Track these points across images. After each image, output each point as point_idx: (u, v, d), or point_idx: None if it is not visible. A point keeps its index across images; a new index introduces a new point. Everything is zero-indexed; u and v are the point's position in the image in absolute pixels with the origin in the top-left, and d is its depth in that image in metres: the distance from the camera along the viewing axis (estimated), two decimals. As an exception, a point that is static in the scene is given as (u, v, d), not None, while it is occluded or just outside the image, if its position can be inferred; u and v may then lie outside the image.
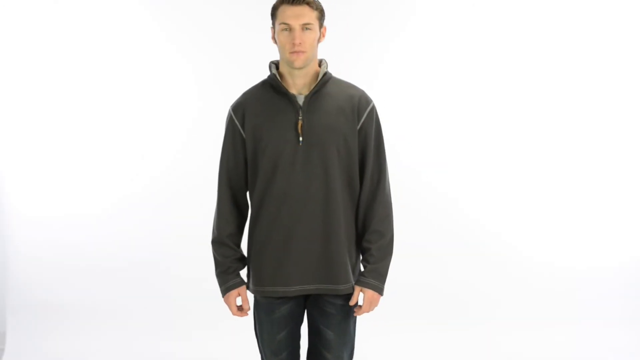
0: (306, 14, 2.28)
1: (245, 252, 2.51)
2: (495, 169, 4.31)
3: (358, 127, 2.38)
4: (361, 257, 2.47)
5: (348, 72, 4.20)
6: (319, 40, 2.36)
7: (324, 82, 2.37)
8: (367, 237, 2.41)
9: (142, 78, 4.30)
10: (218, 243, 2.47)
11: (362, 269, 2.46)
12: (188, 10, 4.28)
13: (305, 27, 2.28)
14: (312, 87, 2.36)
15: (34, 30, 4.24)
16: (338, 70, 4.16)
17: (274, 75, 2.38)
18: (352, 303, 2.40)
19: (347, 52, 4.14)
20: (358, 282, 2.40)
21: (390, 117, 4.23)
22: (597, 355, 4.03)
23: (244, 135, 2.39)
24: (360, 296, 2.42)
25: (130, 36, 4.28)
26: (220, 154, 2.46)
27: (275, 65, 2.43)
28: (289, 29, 2.29)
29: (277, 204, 2.34)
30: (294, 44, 2.28)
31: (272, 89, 2.39)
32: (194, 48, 4.29)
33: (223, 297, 2.47)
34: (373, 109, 2.42)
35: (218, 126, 4.25)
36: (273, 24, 2.36)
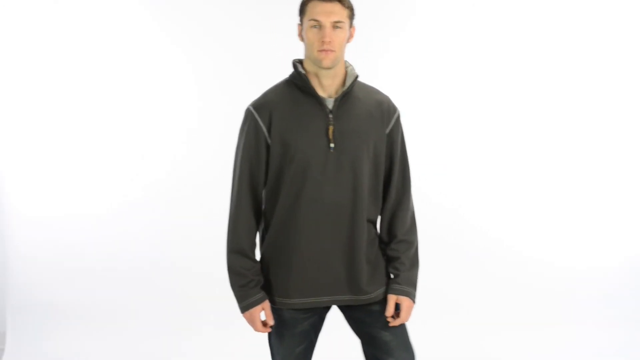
0: (337, 12, 2.18)
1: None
2: (493, 169, 4.31)
3: (386, 133, 2.30)
4: (388, 265, 2.36)
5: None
6: (347, 41, 2.26)
7: (353, 86, 2.28)
8: (395, 246, 2.34)
9: (142, 78, 4.30)
10: (238, 254, 2.26)
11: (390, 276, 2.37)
12: (188, 10, 4.27)
13: (336, 25, 2.18)
14: (340, 90, 2.26)
15: (34, 30, 4.24)
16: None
17: (304, 75, 2.24)
18: (389, 313, 2.29)
19: (347, 53, 4.14)
20: (392, 291, 2.30)
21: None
22: (596, 355, 4.03)
23: (268, 138, 2.23)
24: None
25: (130, 36, 4.28)
26: (239, 158, 2.28)
27: (299, 64, 2.30)
28: (319, 26, 2.17)
29: (307, 212, 2.22)
30: (323, 42, 2.16)
31: (298, 90, 2.26)
32: (194, 48, 4.29)
33: (243, 312, 2.30)
34: (399, 116, 2.34)
35: (218, 126, 4.29)
36: (301, 20, 2.24)
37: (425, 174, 4.24)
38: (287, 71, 4.18)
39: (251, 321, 2.30)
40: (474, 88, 4.29)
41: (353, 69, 2.31)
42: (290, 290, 2.27)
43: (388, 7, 4.25)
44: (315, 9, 2.18)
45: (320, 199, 2.21)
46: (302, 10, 2.23)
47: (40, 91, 4.29)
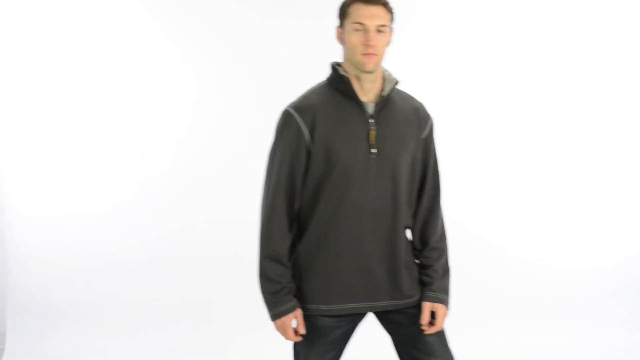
0: (381, 15, 2.16)
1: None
2: (494, 171, 4.31)
3: (422, 140, 2.29)
4: (419, 273, 2.35)
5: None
6: (387, 45, 2.24)
7: (392, 91, 2.26)
8: (428, 254, 2.33)
9: (142, 78, 4.29)
10: (272, 260, 2.20)
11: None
12: (188, 10, 4.27)
13: (379, 28, 2.15)
14: (379, 95, 2.23)
15: (34, 30, 4.23)
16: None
17: (346, 78, 2.20)
18: (425, 321, 2.26)
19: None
20: (427, 299, 2.28)
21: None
22: (596, 355, 4.03)
23: (310, 143, 2.17)
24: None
25: (130, 36, 4.28)
26: (276, 162, 2.21)
27: (338, 67, 2.25)
28: (363, 29, 2.15)
29: (348, 219, 2.19)
30: (367, 46, 2.13)
31: (339, 93, 2.22)
32: (194, 48, 4.29)
33: (274, 320, 2.22)
34: (433, 123, 2.34)
35: (219, 126, 4.30)
36: (342, 23, 2.21)
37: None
38: (287, 71, 4.22)
39: (282, 329, 2.23)
40: (473, 89, 4.29)
41: (391, 74, 2.29)
42: (330, 297, 2.23)
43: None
44: (360, 12, 2.15)
45: (362, 205, 2.19)
46: (344, 13, 2.19)
47: (40, 91, 4.29)
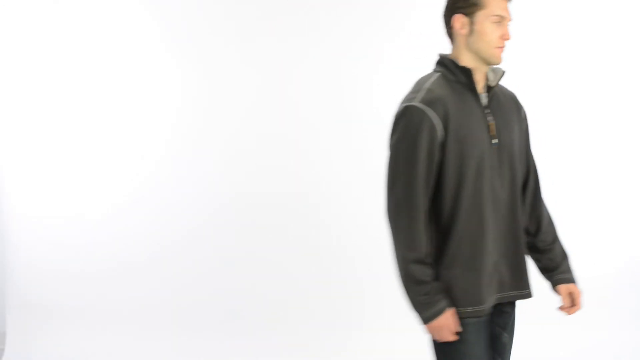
0: (510, 9, 2.19)
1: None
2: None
3: (523, 127, 2.32)
4: (537, 258, 2.37)
5: (349, 71, 4.23)
6: None
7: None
8: (542, 237, 2.35)
9: (142, 78, 4.29)
10: (421, 263, 2.11)
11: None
12: (188, 11, 4.27)
13: (508, 22, 2.18)
14: (485, 85, 2.22)
15: (34, 30, 4.23)
16: (339, 68, 4.18)
17: (469, 70, 2.17)
18: (567, 304, 2.31)
19: (349, 52, 4.15)
20: (563, 281, 2.30)
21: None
22: (596, 355, 4.03)
23: (444, 137, 2.11)
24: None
25: (130, 36, 4.27)
26: (409, 161, 2.11)
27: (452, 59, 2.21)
28: (501, 22, 2.15)
29: (487, 212, 2.15)
30: (504, 39, 2.15)
31: (458, 84, 2.18)
32: (194, 48, 4.28)
33: (430, 322, 2.12)
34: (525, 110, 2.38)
35: (219, 126, 4.30)
36: (471, 13, 2.16)
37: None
38: (287, 71, 4.22)
39: (440, 329, 2.12)
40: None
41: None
42: (482, 294, 2.17)
43: (387, 7, 4.25)
44: (500, 5, 2.15)
45: (494, 197, 2.17)
46: (477, 3, 2.15)
47: (40, 92, 4.28)
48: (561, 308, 2.33)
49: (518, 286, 2.26)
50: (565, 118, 4.30)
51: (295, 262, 4.22)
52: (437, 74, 2.20)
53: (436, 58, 2.26)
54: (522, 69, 4.30)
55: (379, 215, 4.21)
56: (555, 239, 2.38)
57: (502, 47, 2.16)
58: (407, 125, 2.11)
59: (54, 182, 4.30)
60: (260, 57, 4.25)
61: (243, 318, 4.14)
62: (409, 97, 2.15)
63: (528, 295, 2.28)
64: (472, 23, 2.16)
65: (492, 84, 2.22)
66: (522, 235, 2.26)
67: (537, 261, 2.36)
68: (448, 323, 2.11)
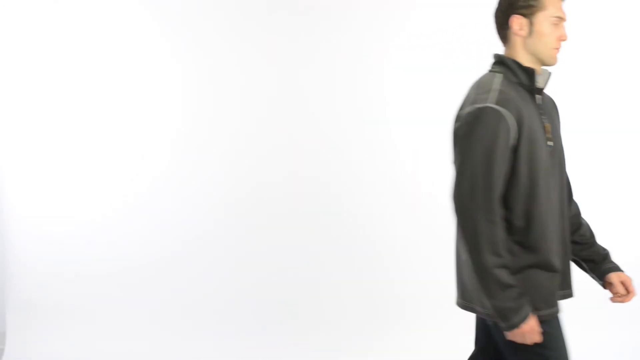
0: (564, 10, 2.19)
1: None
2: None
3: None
4: (581, 254, 2.40)
5: (353, 70, 4.22)
6: None
7: None
8: (582, 232, 2.41)
9: (142, 78, 4.29)
10: (505, 267, 2.07)
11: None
12: (188, 10, 4.26)
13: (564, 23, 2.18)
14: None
15: (34, 31, 4.23)
16: (343, 69, 4.17)
17: (531, 71, 2.15)
18: (622, 292, 2.32)
19: (352, 52, 4.14)
20: (612, 270, 2.34)
21: (392, 118, 4.24)
22: (596, 355, 4.03)
23: (517, 139, 2.07)
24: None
25: (129, 37, 4.27)
26: (486, 163, 2.06)
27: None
28: (559, 23, 2.14)
29: (553, 214, 2.16)
30: (561, 41, 2.15)
31: (519, 86, 2.16)
32: (195, 48, 4.28)
33: (519, 326, 2.07)
34: None
35: (219, 126, 4.29)
36: (530, 13, 2.14)
37: (431, 177, 4.23)
38: (288, 72, 4.21)
39: (531, 332, 2.09)
40: (460, 91, 4.27)
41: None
42: (557, 296, 2.20)
43: (388, 7, 4.24)
44: (559, 6, 2.14)
45: (554, 199, 2.18)
46: (538, 5, 2.13)
47: (41, 92, 4.28)
48: (615, 297, 2.33)
49: (566, 285, 2.28)
50: (572, 120, 4.28)
51: (308, 260, 4.24)
52: (500, 75, 2.16)
53: (493, 59, 2.23)
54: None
55: (380, 209, 4.23)
56: (592, 234, 2.42)
57: (558, 49, 2.15)
58: (484, 127, 2.05)
59: (53, 181, 4.30)
60: (272, 55, 4.24)
61: (244, 318, 4.15)
62: (480, 98, 2.09)
63: (571, 294, 2.30)
64: (531, 24, 2.14)
65: (542, 85, 2.20)
66: (569, 235, 2.29)
67: (580, 257, 2.39)
68: (534, 325, 2.08)
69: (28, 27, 4.23)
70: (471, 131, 2.07)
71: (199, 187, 4.29)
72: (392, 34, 4.25)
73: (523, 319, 2.06)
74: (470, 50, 4.23)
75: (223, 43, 4.26)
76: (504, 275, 2.05)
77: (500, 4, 2.20)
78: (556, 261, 2.17)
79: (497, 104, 2.06)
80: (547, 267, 2.15)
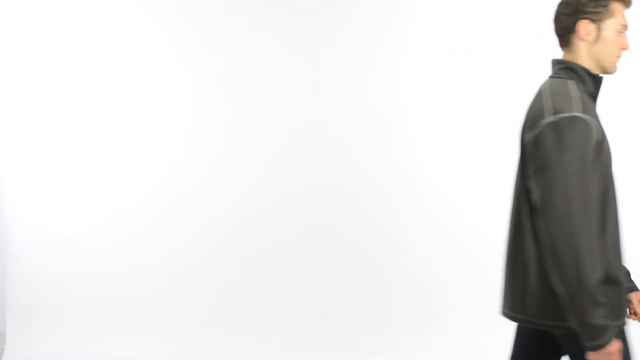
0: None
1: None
2: (498, 172, 4.29)
3: None
4: None
5: (356, 70, 4.22)
6: None
7: None
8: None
9: (142, 79, 4.29)
10: (599, 284, 1.99)
11: None
12: (188, 11, 4.27)
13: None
14: None
15: (34, 31, 4.23)
16: (349, 70, 4.17)
17: (599, 79, 2.12)
18: (639, 312, 2.30)
19: (356, 53, 4.14)
20: (634, 289, 2.32)
21: (393, 117, 4.24)
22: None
23: (600, 150, 2.02)
24: None
25: (129, 37, 4.27)
26: (582, 174, 1.97)
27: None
28: (623, 31, 2.11)
29: (619, 227, 2.15)
30: (623, 49, 2.11)
31: (586, 93, 2.11)
32: (195, 48, 4.28)
33: (607, 345, 1.97)
34: None
35: (219, 127, 4.29)
36: (598, 19, 2.10)
37: (432, 177, 4.24)
38: (288, 72, 4.21)
39: (617, 353, 2.00)
40: (476, 91, 4.28)
41: None
42: (624, 309, 2.16)
43: (387, 8, 4.24)
44: (624, 14, 2.11)
45: (618, 208, 2.17)
46: (608, 11, 2.10)
47: (41, 93, 4.29)
48: (634, 315, 2.30)
49: None
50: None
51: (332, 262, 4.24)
52: (572, 82, 2.10)
53: (554, 64, 2.18)
54: (522, 69, 4.31)
55: (385, 211, 4.24)
56: None
57: (619, 57, 2.12)
58: (576, 137, 1.97)
59: (53, 182, 4.31)
60: (271, 57, 4.25)
61: (244, 319, 4.15)
62: (563, 107, 2.01)
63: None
64: (599, 30, 2.10)
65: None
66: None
67: None
68: (619, 346, 2.01)
69: (28, 27, 4.23)
70: (561, 141, 1.98)
71: (199, 186, 4.29)
72: (400, 35, 4.26)
73: (610, 339, 1.97)
74: (482, 51, 4.23)
75: (223, 44, 4.27)
76: (598, 293, 1.95)
77: (565, 7, 2.14)
78: (621, 271, 2.13)
79: (584, 113, 1.99)
80: (616, 278, 2.10)
